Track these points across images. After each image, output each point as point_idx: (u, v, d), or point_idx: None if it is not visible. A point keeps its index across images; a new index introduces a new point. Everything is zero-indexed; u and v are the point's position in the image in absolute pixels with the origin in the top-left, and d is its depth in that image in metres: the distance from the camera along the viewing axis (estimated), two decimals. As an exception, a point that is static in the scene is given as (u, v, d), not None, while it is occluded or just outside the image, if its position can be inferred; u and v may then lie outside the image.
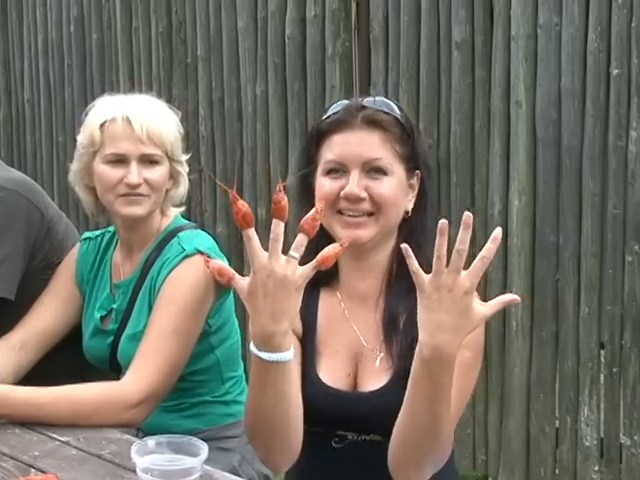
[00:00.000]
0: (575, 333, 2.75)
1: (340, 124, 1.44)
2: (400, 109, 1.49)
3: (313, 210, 1.25)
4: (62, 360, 1.90)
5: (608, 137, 2.64)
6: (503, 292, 2.86)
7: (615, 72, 2.61)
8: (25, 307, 1.92)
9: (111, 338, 1.88)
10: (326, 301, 1.52)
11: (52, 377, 1.79)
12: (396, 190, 1.44)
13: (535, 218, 2.80)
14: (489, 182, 2.88)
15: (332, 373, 1.46)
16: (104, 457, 1.54)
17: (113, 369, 1.90)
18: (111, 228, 1.96)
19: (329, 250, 1.26)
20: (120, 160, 1.79)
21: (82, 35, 4.20)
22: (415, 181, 1.49)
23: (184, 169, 1.88)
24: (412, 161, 1.47)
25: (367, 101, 1.47)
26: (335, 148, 1.44)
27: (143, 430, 1.82)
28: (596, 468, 2.75)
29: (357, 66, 3.17)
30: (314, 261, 1.25)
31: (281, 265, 1.23)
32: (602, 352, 2.72)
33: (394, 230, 1.49)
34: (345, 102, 1.49)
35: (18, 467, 1.51)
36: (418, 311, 1.24)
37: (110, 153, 1.79)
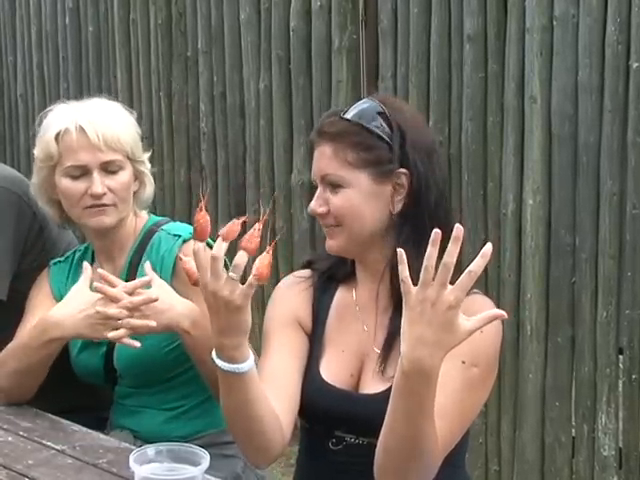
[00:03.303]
0: (592, 338, 2.67)
1: (311, 142, 1.49)
2: (383, 109, 1.45)
3: (252, 228, 1.26)
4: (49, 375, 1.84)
5: (627, 133, 2.56)
6: (517, 295, 2.82)
7: (635, 65, 2.52)
8: (18, 307, 1.89)
9: (104, 348, 1.84)
10: (341, 298, 1.52)
11: (38, 391, 1.78)
12: (352, 201, 1.44)
13: (550, 218, 2.73)
14: (502, 180, 2.81)
15: (335, 372, 1.46)
16: (101, 466, 1.52)
17: (108, 381, 1.86)
18: (81, 247, 1.95)
19: (262, 262, 1.26)
20: (81, 172, 1.77)
21: (78, 27, 4.14)
22: (404, 180, 1.45)
23: (147, 168, 1.86)
24: (388, 162, 1.44)
25: (354, 107, 1.47)
26: (312, 166, 1.49)
27: (141, 437, 1.81)
28: (614, 479, 2.67)
29: (365, 60, 3.11)
30: (252, 278, 1.28)
31: (220, 285, 1.27)
32: (620, 358, 2.65)
33: (380, 235, 1.46)
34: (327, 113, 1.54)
35: (12, 477, 1.49)
36: (402, 322, 1.24)
37: (69, 166, 1.77)
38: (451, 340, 1.22)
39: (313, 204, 1.47)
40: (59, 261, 1.95)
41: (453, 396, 1.35)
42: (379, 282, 1.48)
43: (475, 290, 1.46)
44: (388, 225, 1.46)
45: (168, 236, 1.81)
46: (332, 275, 1.54)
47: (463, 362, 1.38)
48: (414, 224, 1.45)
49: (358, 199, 1.45)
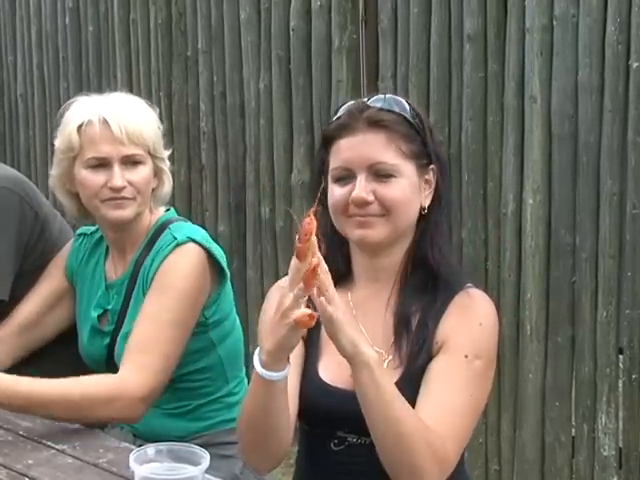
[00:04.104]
0: (592, 338, 2.67)
1: (344, 129, 1.44)
2: (409, 105, 1.47)
3: (312, 265, 1.25)
4: (52, 361, 1.88)
5: (627, 133, 2.55)
6: (517, 295, 2.81)
7: (635, 65, 2.52)
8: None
9: (108, 339, 1.86)
10: None
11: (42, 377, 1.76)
12: (405, 191, 1.43)
13: (550, 218, 2.72)
14: (502, 180, 2.81)
15: (334, 372, 1.45)
16: (101, 466, 1.52)
17: (110, 369, 1.86)
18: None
19: (303, 313, 1.27)
20: (102, 164, 1.76)
21: (78, 27, 4.14)
22: (431, 176, 1.48)
23: (167, 165, 1.86)
24: (424, 157, 1.46)
25: (373, 100, 1.46)
26: (341, 154, 1.44)
27: (141, 434, 1.82)
28: (614, 479, 2.67)
29: (365, 60, 3.10)
30: (293, 322, 1.29)
31: (289, 294, 1.28)
32: (620, 358, 2.64)
33: (410, 229, 1.47)
34: (351, 103, 1.48)
35: (12, 476, 1.48)
36: (348, 329, 1.30)
37: (91, 157, 1.76)
38: None
39: (359, 192, 1.41)
40: (85, 234, 1.95)
41: (463, 393, 1.37)
42: (393, 280, 1.48)
43: (469, 284, 1.48)
44: (416, 220, 1.47)
45: (169, 236, 1.81)
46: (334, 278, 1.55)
47: (466, 356, 1.39)
48: (435, 221, 1.47)
49: (409, 190, 1.44)
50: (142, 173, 1.79)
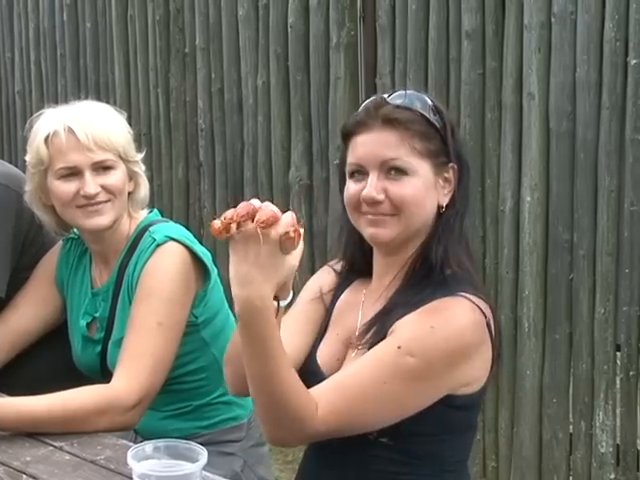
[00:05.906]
0: (590, 335, 2.68)
1: (360, 125, 1.44)
2: (432, 101, 1.46)
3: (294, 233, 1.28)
4: (45, 364, 1.89)
5: (625, 130, 2.56)
6: (515, 292, 2.81)
7: (633, 62, 2.53)
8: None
9: (99, 347, 1.85)
10: (353, 290, 1.55)
11: (35, 382, 1.77)
12: (418, 189, 1.42)
13: (548, 215, 2.73)
14: (500, 177, 2.82)
15: (326, 356, 1.49)
16: (99, 463, 1.51)
17: (105, 377, 1.85)
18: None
19: (269, 211, 1.36)
20: (73, 173, 1.75)
21: (75, 23, 4.15)
22: (451, 174, 1.45)
23: (141, 169, 1.84)
24: (442, 155, 1.44)
25: (394, 97, 1.45)
26: (356, 150, 1.45)
27: (141, 435, 1.81)
28: (612, 476, 2.68)
29: (363, 56, 3.11)
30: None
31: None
32: (618, 355, 2.66)
33: (426, 228, 1.46)
34: (371, 99, 1.48)
35: (9, 473, 1.48)
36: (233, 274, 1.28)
37: (61, 168, 1.75)
38: (276, 275, 1.28)
39: (369, 191, 1.41)
40: (72, 238, 1.93)
41: (374, 374, 1.34)
42: (394, 276, 1.47)
43: (462, 292, 1.41)
44: (433, 220, 1.46)
45: (149, 238, 1.79)
46: (355, 269, 1.55)
47: (399, 347, 1.35)
48: (447, 220, 1.45)
49: (422, 189, 1.43)
50: (115, 177, 1.77)
